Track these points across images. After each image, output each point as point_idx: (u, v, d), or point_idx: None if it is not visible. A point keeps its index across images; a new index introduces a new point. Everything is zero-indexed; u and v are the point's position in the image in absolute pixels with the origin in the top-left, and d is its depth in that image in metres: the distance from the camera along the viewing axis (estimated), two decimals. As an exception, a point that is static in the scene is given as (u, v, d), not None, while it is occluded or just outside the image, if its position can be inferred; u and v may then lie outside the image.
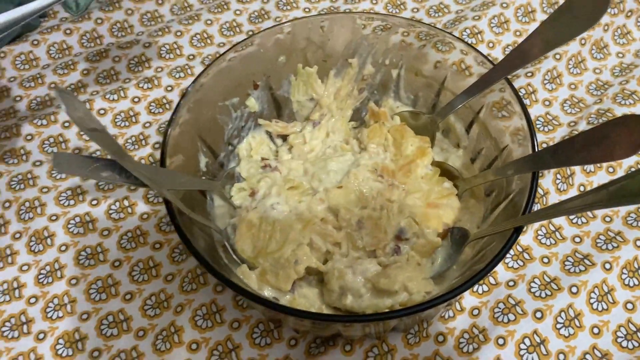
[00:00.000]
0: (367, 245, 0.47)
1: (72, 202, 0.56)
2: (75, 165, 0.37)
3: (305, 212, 0.48)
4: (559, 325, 0.48)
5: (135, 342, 0.49)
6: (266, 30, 0.52)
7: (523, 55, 0.46)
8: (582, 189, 0.56)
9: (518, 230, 0.39)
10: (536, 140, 0.43)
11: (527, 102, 0.61)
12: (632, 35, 0.67)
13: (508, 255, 0.52)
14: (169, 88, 0.65)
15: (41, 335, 0.50)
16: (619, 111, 0.60)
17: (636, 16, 0.68)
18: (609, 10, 0.67)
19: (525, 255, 0.52)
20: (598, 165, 0.57)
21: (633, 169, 0.57)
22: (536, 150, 0.44)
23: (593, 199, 0.35)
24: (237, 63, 0.51)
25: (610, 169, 0.57)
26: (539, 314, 0.48)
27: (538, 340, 0.47)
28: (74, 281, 0.52)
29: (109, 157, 0.39)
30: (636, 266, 0.51)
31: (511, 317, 0.48)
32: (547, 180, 0.55)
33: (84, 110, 0.38)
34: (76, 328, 0.50)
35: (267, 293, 0.46)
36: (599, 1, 0.41)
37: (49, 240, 0.54)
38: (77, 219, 0.55)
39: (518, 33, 0.67)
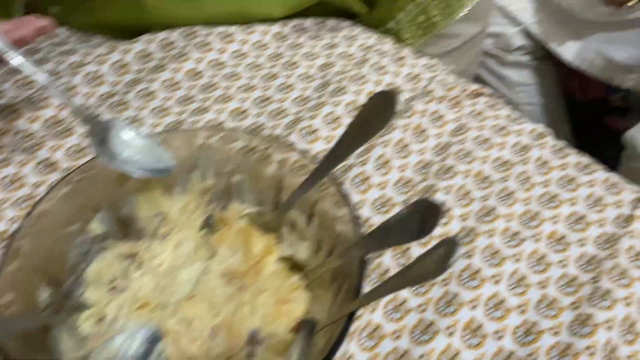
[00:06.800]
0: (223, 354, 0.48)
1: None
2: None
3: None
4: (415, 395, 0.51)
5: None
6: (102, 155, 0.54)
7: (338, 153, 0.52)
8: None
9: (351, 316, 0.42)
10: (358, 228, 0.48)
11: (364, 187, 0.68)
12: (445, 117, 0.77)
13: (363, 335, 0.55)
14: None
15: None
16: (441, 185, 0.68)
17: (447, 100, 0.79)
18: (423, 98, 0.78)
19: (378, 333, 0.55)
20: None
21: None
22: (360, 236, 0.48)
23: (397, 281, 0.39)
24: (74, 191, 0.52)
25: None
26: (396, 389, 0.51)
27: (398, 414, 0.50)
28: None
29: None
30: (474, 327, 0.56)
31: (371, 396, 0.51)
32: (387, 257, 0.60)
33: None
34: None
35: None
36: (387, 102, 0.48)
37: None
38: None
39: (350, 126, 0.74)
